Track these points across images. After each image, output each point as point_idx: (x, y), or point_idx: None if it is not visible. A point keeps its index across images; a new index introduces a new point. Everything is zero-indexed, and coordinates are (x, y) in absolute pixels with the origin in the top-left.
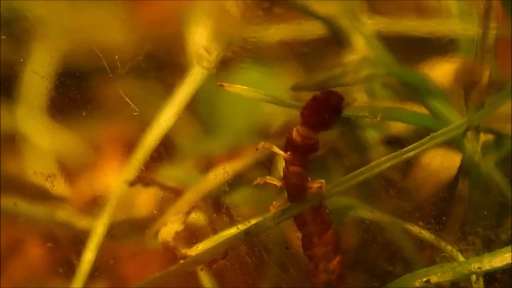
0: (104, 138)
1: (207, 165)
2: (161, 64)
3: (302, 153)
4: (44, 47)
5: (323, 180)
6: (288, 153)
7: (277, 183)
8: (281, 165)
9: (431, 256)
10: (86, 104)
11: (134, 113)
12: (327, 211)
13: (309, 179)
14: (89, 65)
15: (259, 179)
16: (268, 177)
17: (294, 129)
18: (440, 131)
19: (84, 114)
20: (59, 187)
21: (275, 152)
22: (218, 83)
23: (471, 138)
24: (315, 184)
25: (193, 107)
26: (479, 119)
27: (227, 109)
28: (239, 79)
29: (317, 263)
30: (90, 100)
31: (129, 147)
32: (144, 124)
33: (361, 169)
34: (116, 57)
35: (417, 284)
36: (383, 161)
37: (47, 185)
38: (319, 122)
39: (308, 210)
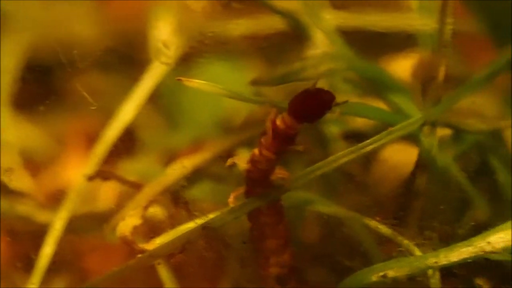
0: (66, 132)
1: (169, 159)
2: (124, 59)
3: (281, 141)
4: (9, 41)
5: (287, 173)
6: (265, 137)
7: (244, 164)
8: (241, 160)
9: (389, 250)
10: (49, 98)
11: (92, 108)
12: (281, 203)
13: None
14: (53, 60)
15: (229, 160)
16: (237, 157)
17: (280, 115)
18: (397, 126)
19: (47, 108)
20: (19, 181)
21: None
22: (177, 78)
23: (428, 133)
24: (279, 174)
25: (155, 101)
26: (436, 114)
27: (189, 103)
28: (201, 73)
29: (268, 256)
30: (53, 94)
31: (91, 141)
32: (106, 118)
33: (319, 163)
34: (75, 52)
35: (374, 278)
36: (341, 155)
37: (5, 179)
38: (305, 115)
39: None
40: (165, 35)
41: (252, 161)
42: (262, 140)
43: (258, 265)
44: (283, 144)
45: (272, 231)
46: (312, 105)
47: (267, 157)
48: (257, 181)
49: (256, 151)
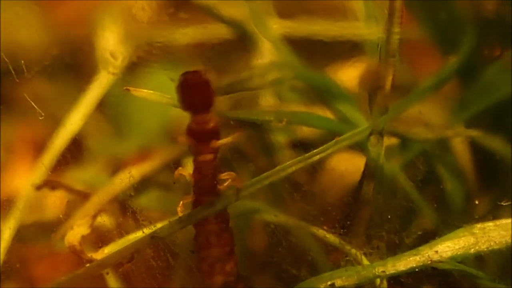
0: (13, 141)
1: (116, 168)
2: (70, 68)
3: (205, 140)
4: None
5: (233, 173)
6: (191, 144)
7: (188, 174)
8: (188, 169)
9: (336, 259)
10: None
11: (40, 117)
12: (227, 212)
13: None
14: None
15: (176, 172)
16: (180, 168)
17: (190, 119)
18: (344, 136)
19: None
20: None
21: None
22: (124, 88)
23: (375, 142)
24: (225, 176)
25: (102, 110)
26: (383, 123)
27: (136, 112)
28: (147, 83)
29: (213, 264)
30: (0, 103)
31: (38, 150)
32: (53, 127)
33: (267, 173)
34: (22, 61)
35: (322, 287)
36: (288, 165)
37: None
38: (195, 103)
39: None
40: (112, 45)
41: (195, 168)
42: (191, 148)
43: (203, 273)
44: (206, 142)
45: (217, 239)
46: (190, 92)
47: (205, 161)
48: (204, 189)
49: (193, 160)
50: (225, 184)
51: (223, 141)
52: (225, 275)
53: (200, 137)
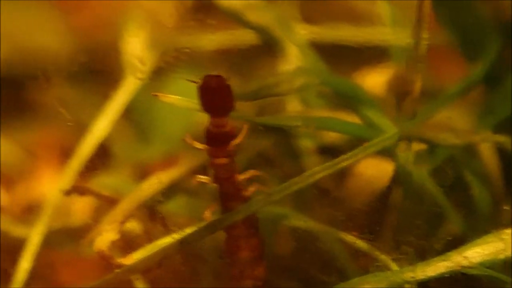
0: (40, 146)
1: (143, 174)
2: (96, 74)
3: (222, 143)
4: None
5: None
6: (208, 147)
7: (206, 179)
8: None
9: (365, 265)
10: (22, 112)
11: (69, 124)
12: (256, 216)
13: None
14: (24, 74)
15: (196, 178)
16: (197, 176)
17: (208, 121)
18: (373, 141)
19: (19, 123)
20: None
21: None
22: (152, 93)
23: (404, 147)
24: (246, 176)
25: (128, 116)
26: (411, 129)
27: (163, 117)
28: (173, 88)
29: (242, 268)
30: (26, 109)
31: (65, 155)
32: (80, 132)
33: (294, 179)
34: (51, 66)
35: None
36: (317, 171)
37: None
38: (215, 106)
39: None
40: (139, 50)
41: (214, 173)
42: (208, 150)
43: (232, 277)
44: (226, 145)
45: (246, 243)
46: (211, 95)
47: (221, 164)
48: (229, 195)
49: (210, 163)
50: (251, 189)
51: (237, 140)
52: (254, 280)
53: (217, 140)
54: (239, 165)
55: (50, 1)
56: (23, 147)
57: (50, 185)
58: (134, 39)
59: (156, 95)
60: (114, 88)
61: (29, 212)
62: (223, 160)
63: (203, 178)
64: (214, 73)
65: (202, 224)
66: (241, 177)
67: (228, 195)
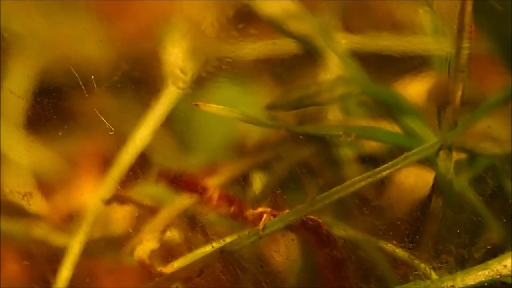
0: (80, 156)
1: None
2: (137, 83)
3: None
4: (20, 66)
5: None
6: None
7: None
8: (256, 184)
9: (405, 274)
10: (63, 121)
11: (110, 133)
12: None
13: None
14: (66, 83)
15: None
16: None
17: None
18: (413, 151)
19: (60, 132)
20: (36, 205)
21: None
22: (194, 103)
23: (444, 157)
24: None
25: (169, 125)
26: (452, 138)
27: (203, 127)
28: (215, 97)
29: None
30: (67, 118)
31: (106, 164)
32: (120, 141)
33: (335, 188)
34: (92, 77)
35: None
36: (357, 180)
37: (24, 203)
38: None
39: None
40: (181, 60)
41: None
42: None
43: None
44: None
45: (325, 263)
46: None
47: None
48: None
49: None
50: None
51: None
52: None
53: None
54: (280, 174)
55: (92, 10)
56: (64, 156)
57: (91, 194)
58: (176, 48)
59: (197, 105)
60: (155, 97)
61: (69, 221)
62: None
63: None
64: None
65: (243, 233)
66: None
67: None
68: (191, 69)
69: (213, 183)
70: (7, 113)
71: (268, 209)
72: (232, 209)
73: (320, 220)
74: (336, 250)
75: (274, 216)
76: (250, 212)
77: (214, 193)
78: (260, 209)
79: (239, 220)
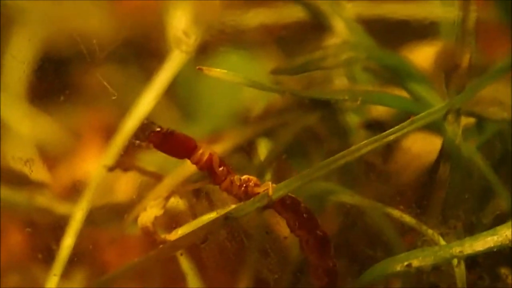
0: (83, 124)
1: None
2: (140, 49)
3: (211, 171)
4: (23, 32)
5: (269, 183)
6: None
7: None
8: (261, 150)
9: (413, 240)
10: (65, 89)
11: (113, 98)
12: (307, 216)
13: (258, 182)
14: (68, 51)
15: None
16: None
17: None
18: (420, 115)
19: (63, 99)
20: (38, 172)
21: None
22: (197, 67)
23: (452, 121)
24: (261, 189)
25: (172, 92)
26: (460, 103)
27: (207, 93)
28: (219, 63)
29: (310, 266)
30: (69, 86)
31: (109, 132)
32: (123, 109)
33: (341, 153)
34: (95, 42)
35: (398, 268)
36: (363, 145)
37: (26, 170)
38: (175, 154)
39: (289, 215)
40: (184, 24)
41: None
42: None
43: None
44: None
45: (306, 244)
46: (163, 148)
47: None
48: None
49: None
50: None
51: (215, 166)
52: (317, 279)
53: (208, 172)
54: (286, 140)
55: None
56: (67, 125)
57: (94, 162)
58: (179, 12)
59: (201, 69)
60: (159, 63)
61: (72, 189)
62: (225, 184)
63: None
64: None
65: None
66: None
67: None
68: (195, 33)
69: (218, 151)
70: (9, 82)
71: (254, 178)
72: (221, 169)
73: (299, 199)
74: (317, 228)
75: (257, 185)
76: (236, 177)
77: (203, 154)
78: (245, 176)
79: (223, 184)
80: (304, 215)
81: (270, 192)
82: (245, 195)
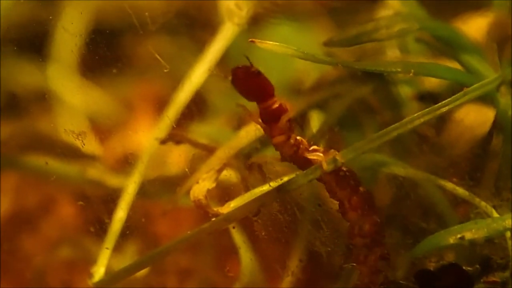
0: (135, 96)
1: (239, 122)
2: (192, 21)
3: (273, 122)
4: (74, 4)
5: (334, 151)
6: (265, 129)
7: (275, 160)
8: (314, 122)
9: (465, 212)
10: (116, 62)
11: (165, 70)
12: (349, 174)
13: (321, 147)
14: (120, 23)
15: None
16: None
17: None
18: (473, 86)
19: (114, 72)
20: (90, 145)
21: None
22: (249, 39)
23: (505, 93)
24: (329, 156)
25: (224, 63)
26: None
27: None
28: (271, 34)
29: (352, 226)
30: (120, 58)
31: (161, 104)
32: (175, 81)
33: (394, 125)
34: (147, 14)
35: (451, 240)
36: (416, 117)
37: (78, 143)
38: (252, 95)
39: (329, 176)
40: None
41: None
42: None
43: (347, 234)
44: (276, 122)
45: (349, 203)
46: (243, 86)
47: (277, 143)
48: (301, 164)
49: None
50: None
51: (285, 117)
52: (363, 237)
53: (268, 121)
54: (338, 112)
55: None
56: (119, 97)
57: (146, 134)
58: None
59: (253, 41)
60: (211, 35)
61: (125, 161)
62: (279, 139)
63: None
64: (316, 23)
65: (300, 172)
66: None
67: (301, 166)
68: (247, 4)
69: None
70: (61, 54)
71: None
72: (285, 122)
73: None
74: (359, 185)
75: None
76: (293, 136)
77: (275, 102)
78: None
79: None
80: (346, 173)
81: (324, 166)
82: (295, 155)
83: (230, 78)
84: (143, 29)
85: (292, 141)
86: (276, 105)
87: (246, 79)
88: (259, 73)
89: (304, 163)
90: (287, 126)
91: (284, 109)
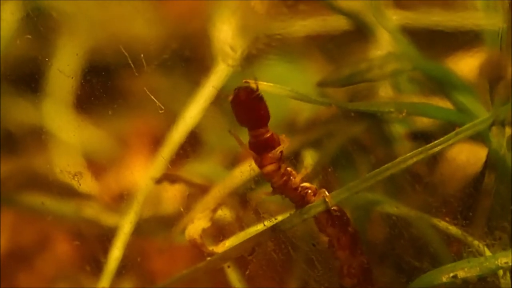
0: (130, 135)
1: (234, 161)
2: (187, 61)
3: (262, 152)
4: (69, 45)
5: (324, 190)
6: (254, 158)
7: (265, 194)
8: (307, 162)
9: (458, 251)
10: (112, 101)
11: (160, 111)
12: (339, 214)
13: (314, 187)
14: (115, 62)
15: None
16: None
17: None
18: (465, 126)
19: (110, 111)
20: (86, 185)
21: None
22: (244, 80)
23: (497, 132)
24: (319, 196)
25: (218, 103)
26: (505, 113)
27: None
28: (264, 75)
29: (341, 266)
30: (116, 97)
31: (156, 143)
32: (170, 120)
33: (387, 165)
34: (142, 55)
35: (444, 279)
36: (409, 156)
37: (74, 183)
38: (249, 119)
39: (321, 214)
40: (230, 37)
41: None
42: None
43: (338, 276)
44: (263, 154)
45: (338, 242)
46: (243, 109)
47: (266, 173)
48: (292, 200)
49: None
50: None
51: (278, 148)
52: (351, 277)
53: (257, 150)
54: (331, 151)
55: None
56: (114, 136)
57: (141, 173)
58: (225, 25)
59: (247, 82)
60: (205, 75)
61: (120, 200)
62: (270, 168)
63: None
64: (309, 61)
65: (294, 211)
66: (299, 180)
67: (292, 200)
68: (241, 46)
69: None
70: (56, 93)
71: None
72: (276, 151)
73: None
74: (349, 225)
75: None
76: (283, 166)
77: (268, 131)
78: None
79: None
80: (337, 213)
81: (328, 200)
82: (284, 186)
83: (230, 98)
84: (137, 69)
85: (282, 170)
86: (268, 135)
87: (247, 102)
88: (261, 99)
89: (294, 195)
90: (278, 156)
91: (276, 139)
